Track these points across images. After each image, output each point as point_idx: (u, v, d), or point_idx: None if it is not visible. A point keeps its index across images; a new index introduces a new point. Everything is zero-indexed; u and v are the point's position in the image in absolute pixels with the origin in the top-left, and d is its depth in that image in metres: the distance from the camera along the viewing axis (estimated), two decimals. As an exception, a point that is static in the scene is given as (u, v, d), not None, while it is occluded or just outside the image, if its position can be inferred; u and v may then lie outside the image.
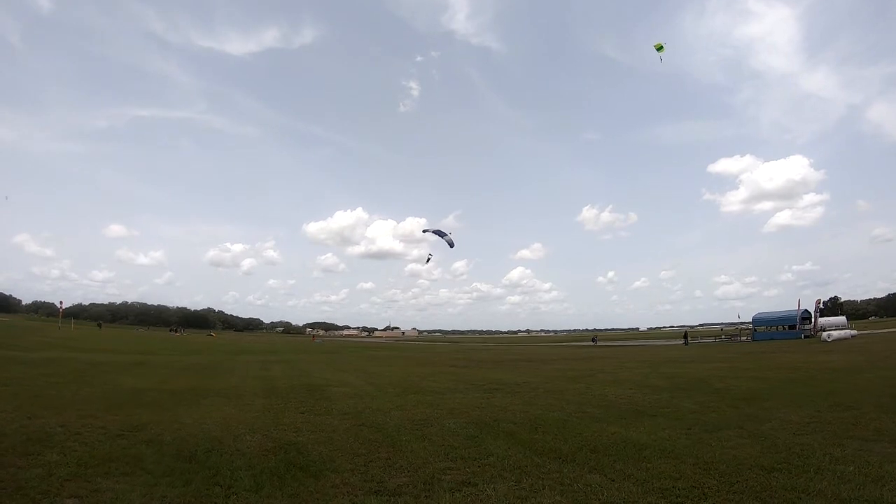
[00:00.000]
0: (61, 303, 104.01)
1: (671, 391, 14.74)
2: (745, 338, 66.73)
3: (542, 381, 18.56)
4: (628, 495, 5.85)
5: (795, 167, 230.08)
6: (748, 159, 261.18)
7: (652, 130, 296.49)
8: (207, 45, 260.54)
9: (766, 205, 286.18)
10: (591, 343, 75.80)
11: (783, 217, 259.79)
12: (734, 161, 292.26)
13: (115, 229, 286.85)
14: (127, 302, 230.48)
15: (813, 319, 62.57)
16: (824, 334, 49.69)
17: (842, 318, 74.04)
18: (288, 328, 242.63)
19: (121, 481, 6.19)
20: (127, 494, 5.73)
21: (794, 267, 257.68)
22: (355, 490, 6.10)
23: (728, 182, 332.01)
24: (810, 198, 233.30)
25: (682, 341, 65.18)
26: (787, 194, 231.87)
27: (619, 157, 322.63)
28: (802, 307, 64.29)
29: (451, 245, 46.01)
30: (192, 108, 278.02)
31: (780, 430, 9.08)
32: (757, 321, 67.86)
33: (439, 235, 44.96)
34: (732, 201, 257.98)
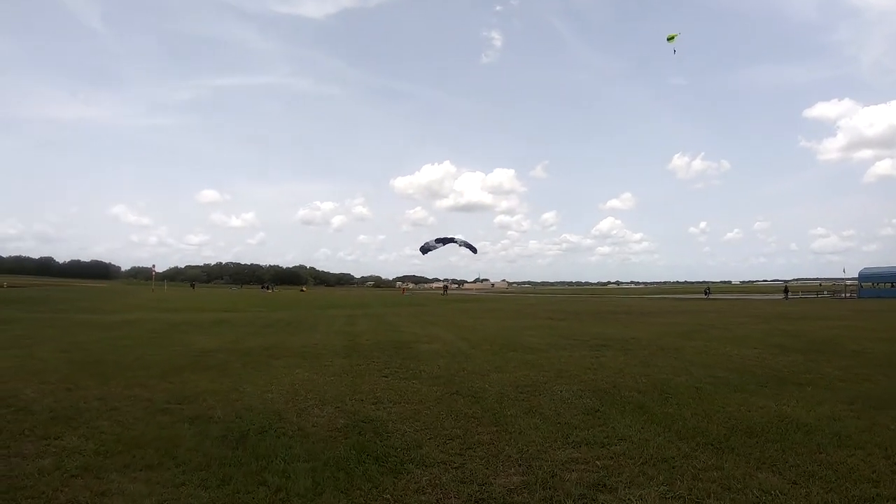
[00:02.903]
0: (153, 266, 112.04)
1: (803, 352, 13.55)
2: (848, 294, 66.45)
3: (653, 337, 17.36)
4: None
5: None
6: (847, 103, 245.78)
7: (744, 73, 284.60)
8: (284, 10, 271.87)
9: (866, 153, 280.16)
10: (704, 296, 73.46)
11: (884, 166, 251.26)
12: (832, 105, 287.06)
13: (208, 194, 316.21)
14: (221, 263, 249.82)
15: None
16: None
17: None
18: (378, 282, 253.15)
19: (140, 478, 5.02)
20: (140, 501, 4.44)
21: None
22: (448, 495, 4.64)
23: (825, 128, 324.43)
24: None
25: (781, 296, 64.99)
26: (890, 141, 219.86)
27: (710, 102, 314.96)
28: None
29: (473, 249, 43.72)
30: (274, 73, 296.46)
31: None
32: (864, 276, 66.38)
33: (445, 243, 42.48)
34: (830, 149, 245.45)
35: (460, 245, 43.36)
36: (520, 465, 5.36)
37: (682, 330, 20.32)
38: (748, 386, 9.24)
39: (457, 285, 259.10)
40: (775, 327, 21.41)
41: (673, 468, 5.25)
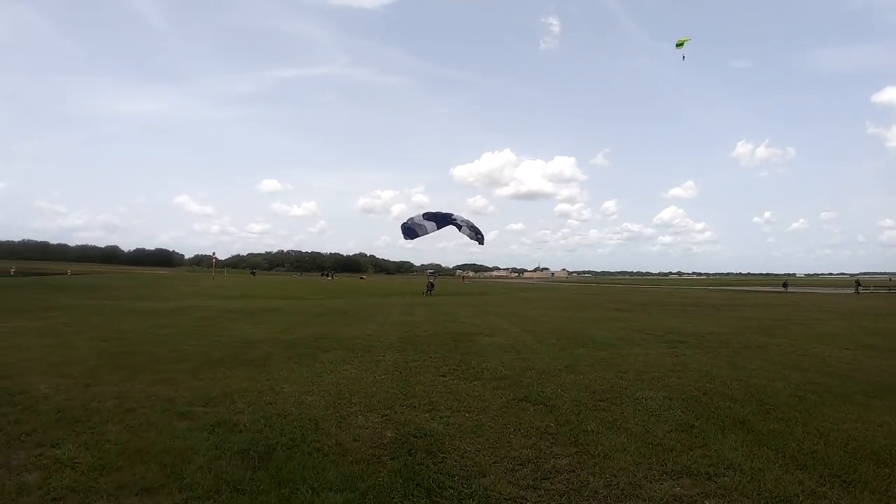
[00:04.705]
0: (214, 254, 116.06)
1: (904, 355, 12.43)
2: None
3: (731, 333, 16.32)
4: None
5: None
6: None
7: (809, 55, 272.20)
8: (342, 2, 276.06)
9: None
10: (783, 289, 71.53)
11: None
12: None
13: (269, 184, 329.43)
14: (283, 251, 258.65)
15: None
16: None
17: None
18: (438, 270, 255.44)
19: (131, 507, 4.06)
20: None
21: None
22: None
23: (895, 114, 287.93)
24: None
25: (850, 290, 63.66)
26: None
27: (774, 87, 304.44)
28: None
29: (479, 238, 34.57)
30: (334, 64, 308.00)
31: None
32: None
33: (440, 224, 33.51)
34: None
35: (462, 227, 34.30)
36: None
37: (760, 325, 19.22)
38: (854, 396, 8.16)
39: (517, 274, 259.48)
40: (858, 325, 20.19)
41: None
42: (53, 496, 4.30)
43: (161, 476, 4.67)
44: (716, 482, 4.75)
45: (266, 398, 7.42)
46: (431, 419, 6.53)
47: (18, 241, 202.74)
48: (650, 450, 5.53)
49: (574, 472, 4.95)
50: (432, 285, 44.91)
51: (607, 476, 4.85)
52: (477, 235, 34.19)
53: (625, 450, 5.51)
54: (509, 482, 4.68)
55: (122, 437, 5.69)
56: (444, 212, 34.22)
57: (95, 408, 6.76)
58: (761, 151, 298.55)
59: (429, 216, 33.43)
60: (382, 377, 9.01)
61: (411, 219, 33.91)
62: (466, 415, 6.75)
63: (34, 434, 5.74)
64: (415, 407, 7.08)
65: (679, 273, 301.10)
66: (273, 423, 6.26)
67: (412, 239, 34.28)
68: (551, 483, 4.70)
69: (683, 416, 6.81)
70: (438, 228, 33.82)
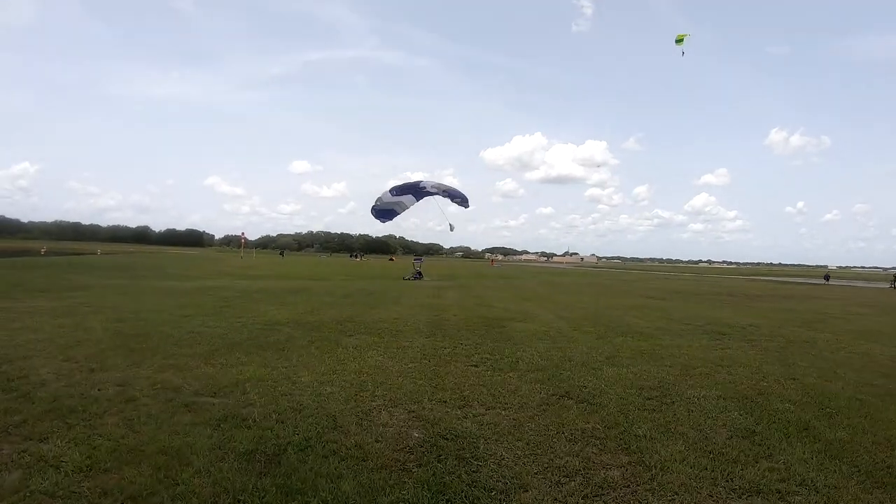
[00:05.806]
0: (243, 234, 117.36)
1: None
2: None
3: (773, 326, 15.66)
4: None
5: None
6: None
7: (846, 43, 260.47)
8: None
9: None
10: (824, 281, 69.68)
11: None
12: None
13: (300, 165, 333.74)
14: (312, 231, 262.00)
15: None
16: None
17: None
18: (467, 253, 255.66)
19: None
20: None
21: None
22: None
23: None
24: None
25: (886, 285, 61.82)
26: None
27: (810, 74, 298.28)
28: None
29: (462, 201, 31.15)
30: (363, 46, 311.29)
31: None
32: None
33: (418, 195, 30.22)
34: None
35: (438, 195, 30.58)
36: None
37: (802, 318, 18.51)
38: (914, 400, 7.49)
39: (546, 258, 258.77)
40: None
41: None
42: (29, 502, 3.78)
43: (152, 481, 4.11)
44: (789, 502, 4.12)
45: (281, 388, 6.86)
46: (463, 417, 5.90)
47: (51, 222, 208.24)
48: (711, 460, 4.87)
49: (629, 487, 4.29)
50: (419, 272, 38.50)
51: (668, 494, 4.19)
52: (454, 199, 30.82)
53: (683, 460, 4.84)
54: (555, 499, 4.02)
55: (117, 431, 5.15)
56: (411, 181, 30.97)
57: (94, 396, 6.25)
58: (796, 140, 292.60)
59: (397, 191, 30.44)
60: (410, 366, 8.41)
61: (379, 199, 30.86)
62: (502, 412, 6.11)
63: (23, 426, 5.24)
64: (445, 402, 6.46)
65: (709, 261, 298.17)
66: (286, 418, 5.69)
67: (390, 220, 31.83)
68: (604, 501, 4.04)
69: (742, 420, 6.17)
70: (418, 200, 30.86)
